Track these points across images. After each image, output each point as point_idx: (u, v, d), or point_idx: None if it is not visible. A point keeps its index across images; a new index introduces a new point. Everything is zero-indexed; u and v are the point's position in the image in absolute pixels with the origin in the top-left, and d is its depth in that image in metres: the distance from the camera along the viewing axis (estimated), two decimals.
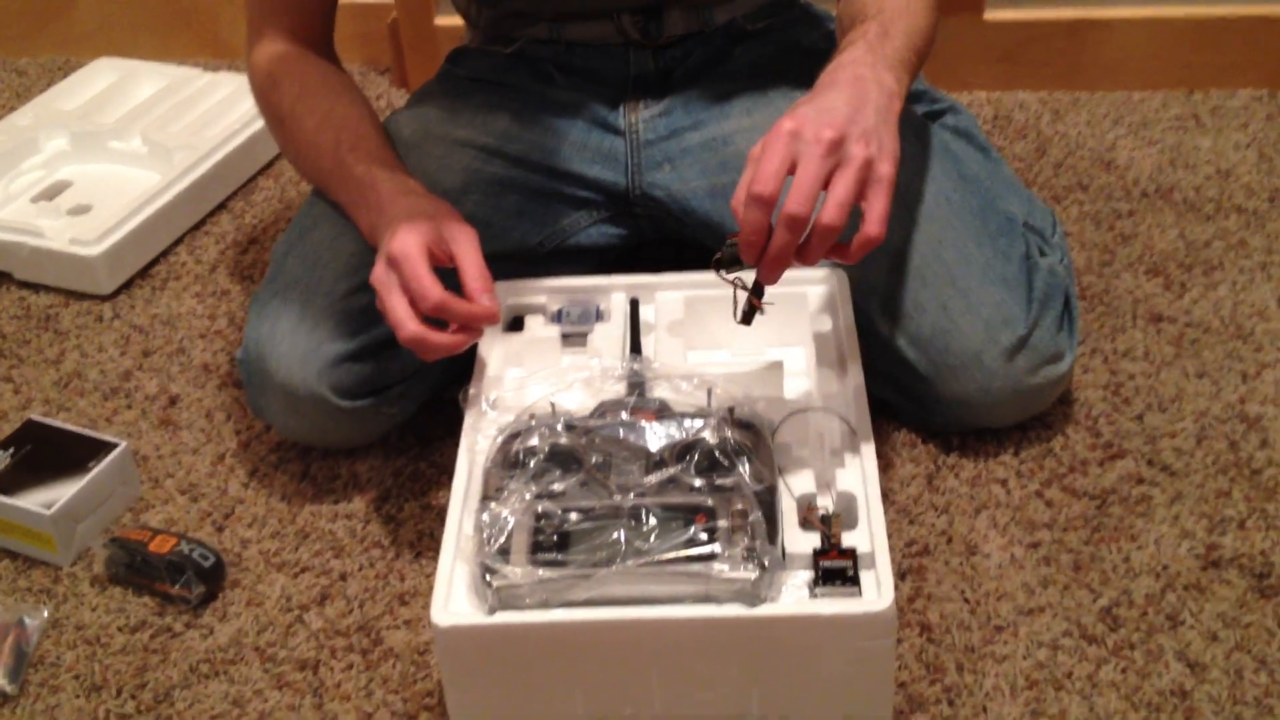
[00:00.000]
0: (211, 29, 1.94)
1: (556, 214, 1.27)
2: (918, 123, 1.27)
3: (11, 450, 1.17)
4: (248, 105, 1.69)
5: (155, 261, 1.51)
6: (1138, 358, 1.26)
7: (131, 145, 1.64)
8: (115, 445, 1.17)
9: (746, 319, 0.99)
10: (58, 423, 1.22)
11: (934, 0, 1.13)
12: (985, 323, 1.12)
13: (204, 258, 1.52)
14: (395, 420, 1.21)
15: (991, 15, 1.68)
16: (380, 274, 1.03)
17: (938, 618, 1.03)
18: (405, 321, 1.01)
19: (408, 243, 1.02)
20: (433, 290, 1.00)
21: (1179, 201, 1.47)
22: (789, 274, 1.15)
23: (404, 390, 1.19)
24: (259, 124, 1.66)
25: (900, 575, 1.06)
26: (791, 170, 0.92)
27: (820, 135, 0.91)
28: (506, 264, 1.22)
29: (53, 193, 1.60)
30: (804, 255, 0.93)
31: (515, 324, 1.17)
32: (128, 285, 1.48)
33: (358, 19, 1.86)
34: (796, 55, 1.28)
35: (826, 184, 0.92)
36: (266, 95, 1.24)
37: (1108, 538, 1.08)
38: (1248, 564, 1.05)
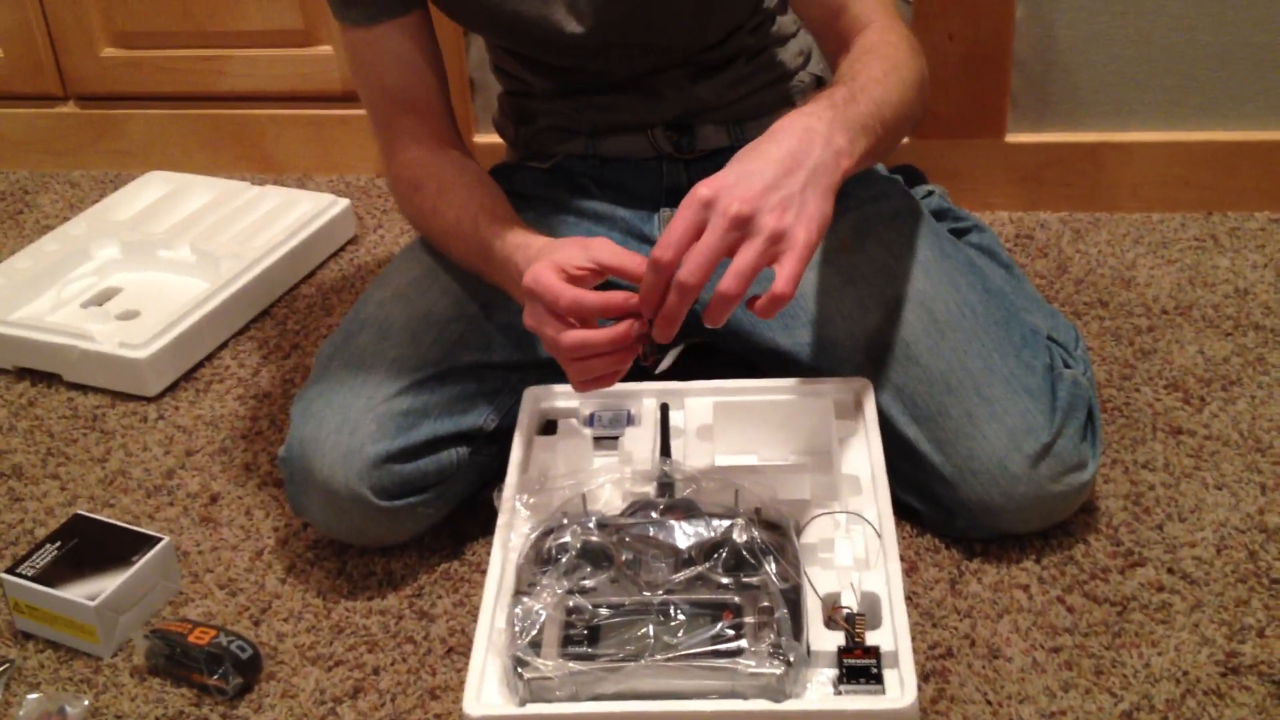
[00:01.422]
0: (259, 145, 2.01)
1: (589, 322, 1.31)
2: (944, 236, 1.31)
3: (59, 544, 1.20)
4: (293, 217, 1.76)
5: (200, 365, 1.56)
6: (1158, 469, 1.28)
7: (180, 254, 1.70)
8: (158, 540, 1.20)
9: (642, 368, 1.07)
10: (103, 518, 1.25)
11: (916, 79, 1.14)
12: (1010, 430, 1.14)
13: (247, 362, 1.56)
14: (431, 520, 1.24)
15: (1013, 138, 1.73)
16: (527, 317, 1.05)
17: None
18: (558, 336, 1.01)
19: (535, 271, 1.03)
20: (565, 292, 1.01)
21: (1198, 319, 1.50)
22: (815, 381, 1.19)
23: (440, 491, 1.22)
24: (303, 234, 1.73)
25: (924, 677, 1.07)
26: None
27: (728, 209, 0.94)
28: (540, 371, 1.26)
29: (103, 298, 1.65)
30: (707, 316, 0.98)
31: (549, 427, 1.20)
32: (173, 387, 1.52)
33: None
34: None
35: (733, 251, 0.96)
36: (410, 199, 1.28)
37: (1129, 643, 1.10)
38: (1267, 671, 1.06)
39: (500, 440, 1.24)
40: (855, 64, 1.12)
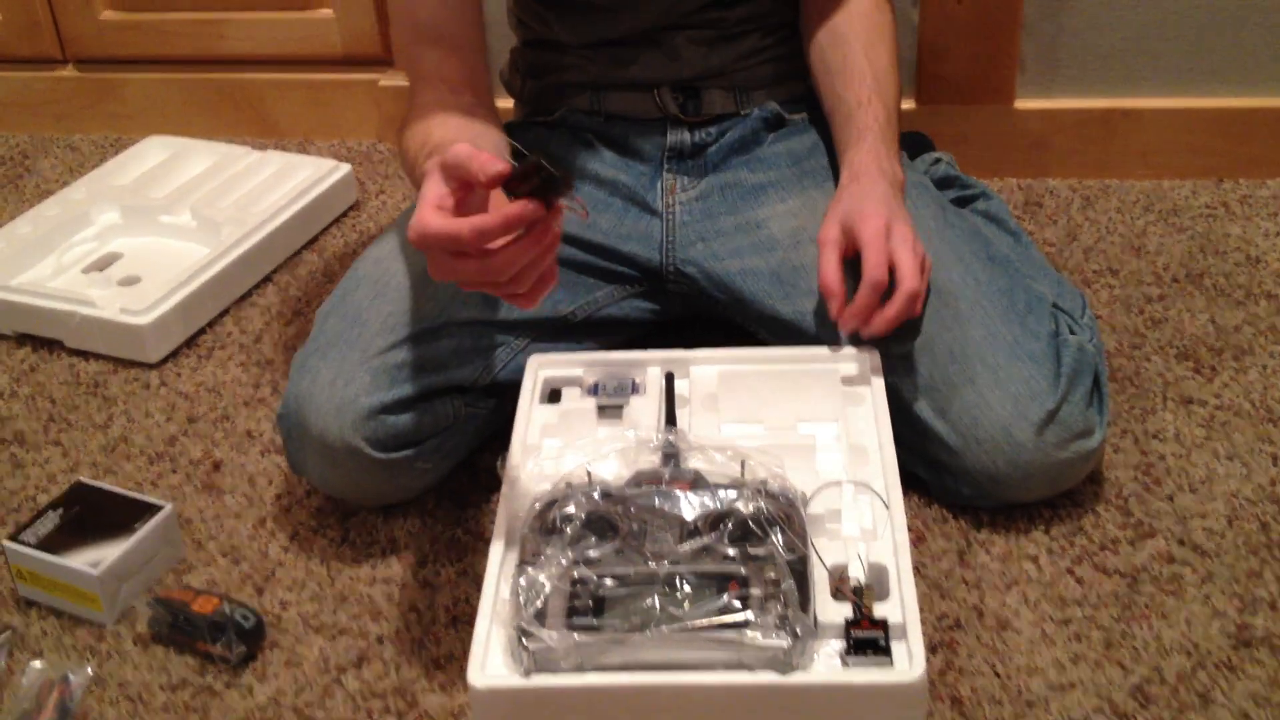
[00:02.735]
0: (259, 109, 1.99)
1: (590, 286, 1.30)
2: (948, 207, 1.30)
3: (60, 511, 1.19)
4: (294, 182, 1.75)
5: (201, 331, 1.55)
6: (1168, 439, 1.27)
7: (181, 219, 1.69)
8: (160, 508, 1.19)
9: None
10: (105, 485, 1.24)
11: (896, 43, 1.31)
12: (1014, 397, 1.14)
13: (249, 328, 1.55)
14: (429, 477, 1.24)
15: (1022, 104, 1.71)
16: (433, 271, 0.95)
17: (969, 692, 1.04)
18: (483, 266, 0.91)
19: (418, 223, 0.91)
20: (461, 226, 0.89)
21: (1209, 287, 1.48)
22: (821, 351, 1.19)
23: (437, 445, 1.21)
24: (305, 200, 1.71)
25: (931, 649, 1.07)
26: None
27: (906, 235, 1.15)
28: (539, 331, 1.26)
29: (103, 264, 1.64)
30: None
31: (553, 396, 1.19)
32: (174, 354, 1.51)
33: (396, 99, 1.91)
34: (827, 149, 1.32)
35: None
36: (400, 139, 1.23)
37: (1139, 615, 1.09)
38: (1279, 643, 1.05)
39: (497, 395, 1.24)
40: (870, 51, 1.27)
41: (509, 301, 0.97)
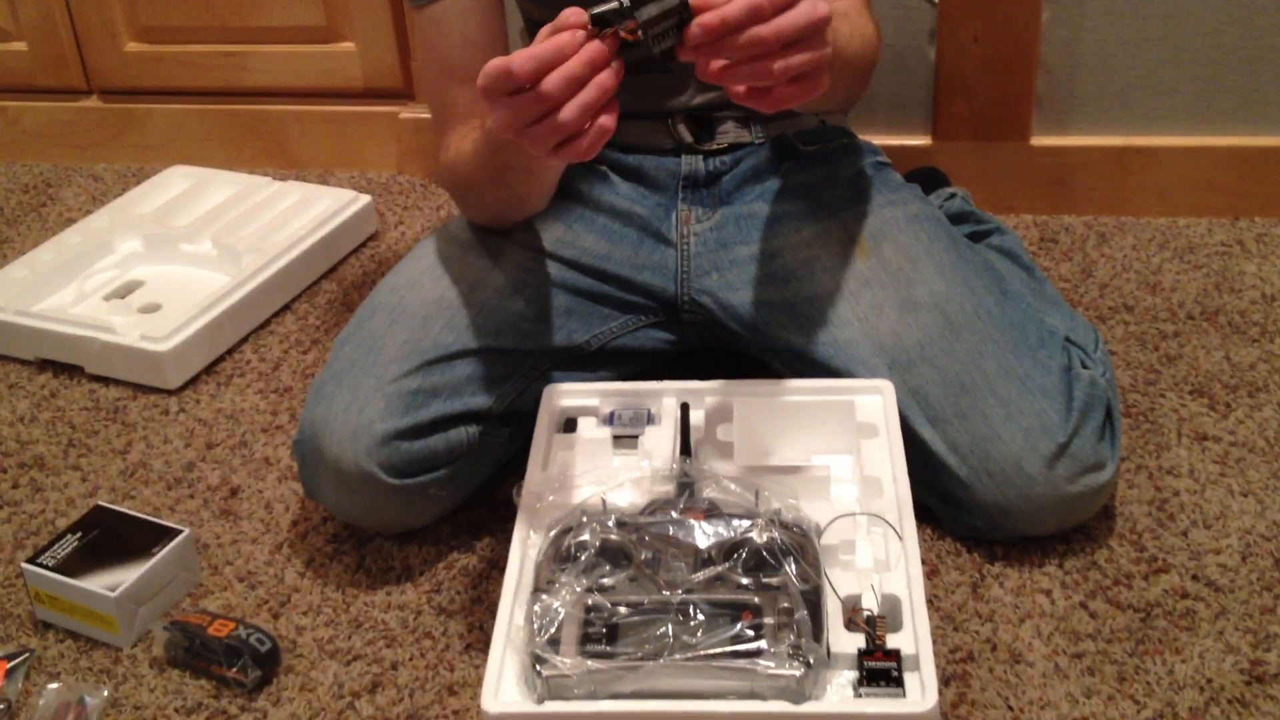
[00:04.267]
0: (281, 140, 2.01)
1: (605, 316, 1.31)
2: (960, 240, 1.31)
3: (80, 535, 1.20)
4: (314, 212, 1.76)
5: (221, 359, 1.56)
6: (1182, 475, 1.27)
7: (202, 248, 1.71)
8: (178, 532, 1.20)
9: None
10: (124, 509, 1.25)
11: (871, 55, 1.24)
12: (1025, 431, 1.14)
13: (268, 356, 1.57)
14: (444, 504, 1.24)
15: (1038, 140, 1.72)
16: (496, 124, 0.95)
17: None
18: (538, 91, 0.92)
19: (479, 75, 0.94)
20: (514, 54, 0.92)
21: (1224, 324, 1.49)
22: (835, 383, 1.19)
23: (452, 472, 1.21)
24: (325, 230, 1.73)
25: (944, 681, 1.07)
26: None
27: None
28: (554, 360, 1.27)
29: (125, 291, 1.66)
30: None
31: (569, 425, 1.20)
32: (194, 381, 1.53)
33: (417, 132, 1.93)
34: (841, 182, 1.33)
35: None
36: (452, 172, 1.26)
37: (1152, 650, 1.09)
38: None
39: (511, 423, 1.25)
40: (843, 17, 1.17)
41: (568, 155, 0.96)
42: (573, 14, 0.94)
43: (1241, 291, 1.54)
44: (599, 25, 0.93)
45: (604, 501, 1.08)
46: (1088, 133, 1.71)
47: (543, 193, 1.26)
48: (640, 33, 0.92)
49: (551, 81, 0.92)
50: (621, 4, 0.92)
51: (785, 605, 0.94)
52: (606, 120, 0.96)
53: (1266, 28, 1.61)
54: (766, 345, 1.30)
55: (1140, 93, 1.68)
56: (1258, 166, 1.68)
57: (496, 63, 0.92)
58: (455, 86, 1.26)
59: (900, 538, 1.04)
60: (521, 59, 0.91)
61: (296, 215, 1.76)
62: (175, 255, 1.72)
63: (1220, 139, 1.68)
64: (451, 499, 1.25)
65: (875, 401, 1.18)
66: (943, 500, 1.20)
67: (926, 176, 1.66)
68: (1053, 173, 1.73)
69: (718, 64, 0.92)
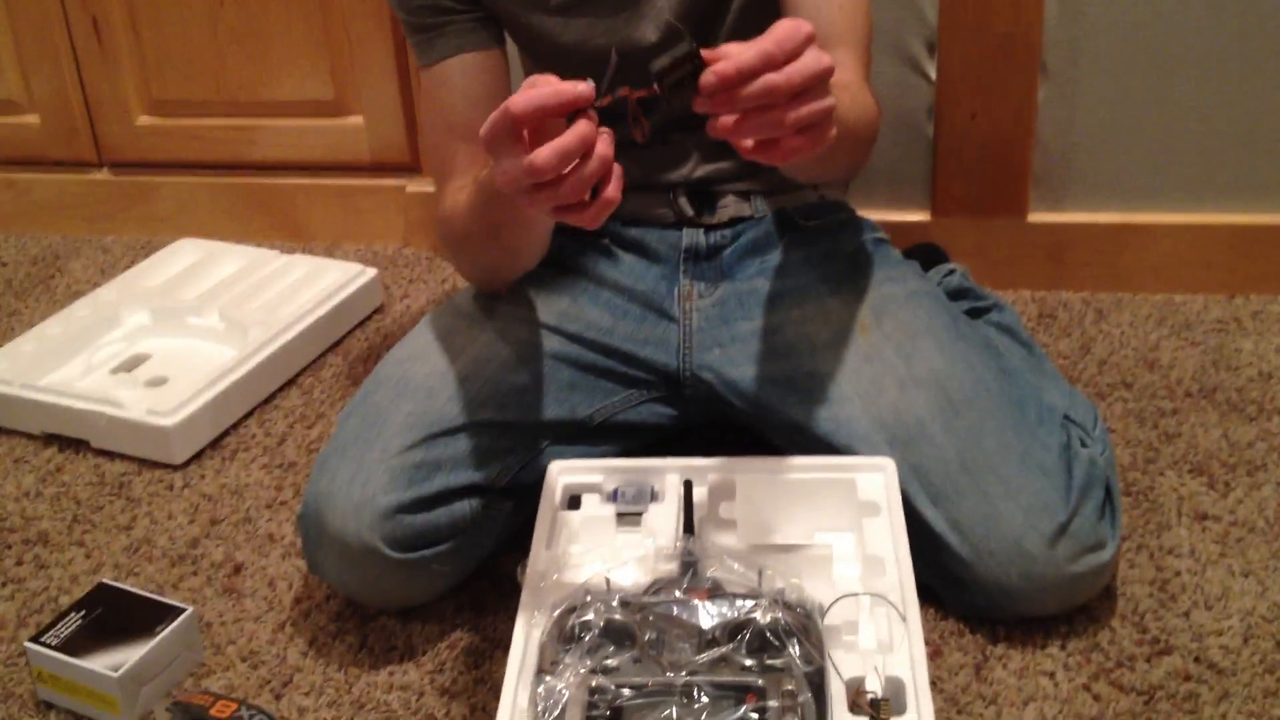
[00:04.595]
0: (288, 213, 2.03)
1: (608, 390, 1.32)
2: (960, 317, 1.32)
3: (83, 613, 1.20)
4: (321, 285, 1.78)
5: (226, 433, 1.57)
6: (1183, 554, 1.28)
7: (209, 321, 1.72)
8: (182, 610, 1.20)
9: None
10: (128, 587, 1.25)
11: (870, 127, 1.22)
12: (1025, 510, 1.15)
13: (273, 430, 1.57)
14: (447, 579, 1.25)
15: (1035, 217, 1.74)
16: (498, 175, 0.95)
17: None
18: (532, 158, 0.91)
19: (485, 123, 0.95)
20: (513, 99, 0.92)
21: (1222, 402, 1.50)
22: (838, 460, 1.20)
23: (455, 547, 1.22)
24: (331, 303, 1.75)
25: None
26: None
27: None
28: (557, 434, 1.28)
29: (132, 365, 1.67)
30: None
31: (573, 502, 1.21)
32: (199, 455, 1.53)
33: (423, 205, 1.95)
34: (841, 258, 1.35)
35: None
36: (448, 225, 1.27)
37: None
38: None
39: (513, 496, 1.26)
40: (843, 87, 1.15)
41: (574, 219, 0.95)
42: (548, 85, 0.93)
43: (1239, 369, 1.56)
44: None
45: (608, 581, 1.08)
46: (1084, 210, 1.73)
47: (534, 248, 1.26)
48: (655, 85, 0.92)
49: (542, 156, 0.91)
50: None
51: (789, 688, 0.94)
52: (612, 192, 0.95)
53: (1259, 108, 1.64)
54: (768, 420, 1.31)
55: (1135, 171, 1.70)
56: (1252, 244, 1.70)
57: (496, 111, 0.92)
58: (456, 143, 1.28)
59: (903, 618, 1.04)
60: (518, 103, 0.91)
61: (303, 288, 1.78)
62: (182, 328, 1.73)
63: (1215, 217, 1.70)
64: (454, 574, 1.25)
65: (877, 480, 1.19)
66: (945, 579, 1.20)
67: (925, 252, 1.67)
68: (1050, 249, 1.74)
69: (728, 119, 0.93)
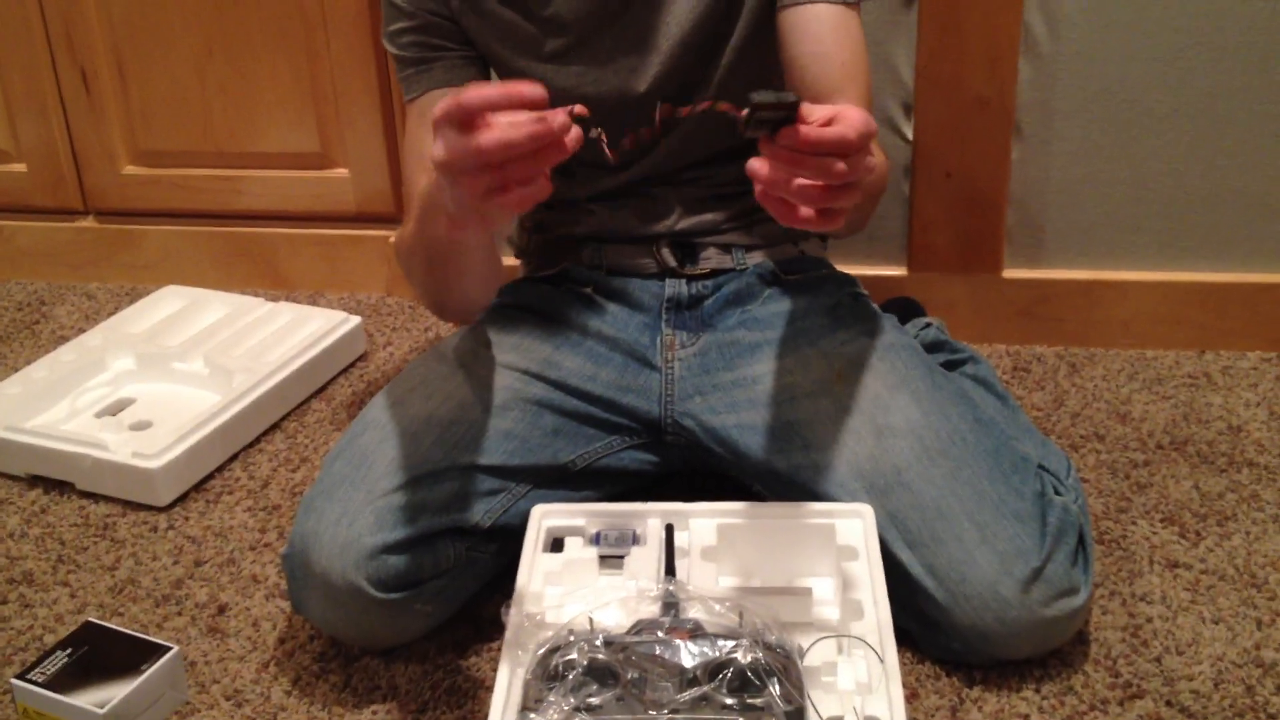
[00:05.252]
0: (272, 262, 2.05)
1: (590, 437, 1.34)
2: (936, 369, 1.35)
3: (69, 651, 1.21)
4: (305, 332, 1.80)
5: (210, 476, 1.58)
6: (1155, 602, 1.30)
7: (194, 367, 1.74)
8: (167, 649, 1.21)
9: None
10: (114, 625, 1.26)
11: (881, 179, 1.28)
12: (1000, 555, 1.17)
13: (257, 474, 1.59)
14: (430, 620, 1.26)
15: (1010, 273, 1.78)
16: (438, 153, 0.95)
17: None
18: (478, 137, 0.92)
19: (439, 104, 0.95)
20: (466, 91, 0.92)
21: (1193, 454, 1.53)
22: (817, 506, 1.22)
23: (439, 588, 1.23)
24: (315, 350, 1.76)
25: None
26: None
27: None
28: (539, 478, 1.29)
29: (117, 409, 1.68)
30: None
31: (556, 545, 1.22)
32: (183, 498, 1.54)
33: None
34: (820, 311, 1.38)
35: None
36: (399, 244, 1.30)
37: None
38: None
39: (497, 539, 1.27)
40: None
41: (498, 202, 0.95)
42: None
43: (1209, 422, 1.59)
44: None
45: (591, 621, 1.09)
46: (1057, 266, 1.77)
47: (468, 276, 1.27)
48: (745, 111, 0.94)
49: (496, 134, 0.92)
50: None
51: None
52: (540, 181, 0.95)
53: (1226, 169, 1.68)
54: (748, 468, 1.33)
55: (1107, 228, 1.74)
56: (1221, 301, 1.73)
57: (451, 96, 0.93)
58: (422, 174, 1.30)
59: (881, 660, 1.06)
60: (472, 94, 0.92)
61: (287, 335, 1.80)
62: (167, 373, 1.74)
63: (1184, 274, 1.74)
64: (437, 615, 1.26)
65: (856, 525, 1.21)
66: (921, 623, 1.22)
67: (902, 306, 1.71)
68: (1024, 304, 1.78)
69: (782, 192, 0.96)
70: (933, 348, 1.54)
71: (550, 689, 1.00)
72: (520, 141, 0.92)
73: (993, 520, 1.19)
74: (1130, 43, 1.63)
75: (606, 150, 1.00)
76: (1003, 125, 1.69)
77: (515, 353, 1.36)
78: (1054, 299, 1.77)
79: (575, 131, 0.95)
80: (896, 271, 1.80)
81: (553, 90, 1.30)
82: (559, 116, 0.93)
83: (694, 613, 1.09)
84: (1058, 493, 1.25)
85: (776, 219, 0.99)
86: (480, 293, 1.33)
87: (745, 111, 0.94)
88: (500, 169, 0.93)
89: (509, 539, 1.26)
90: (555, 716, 0.98)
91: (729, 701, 0.99)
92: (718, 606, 1.09)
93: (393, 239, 1.32)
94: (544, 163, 0.94)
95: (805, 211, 0.97)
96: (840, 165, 0.94)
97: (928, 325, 1.62)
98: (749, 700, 0.99)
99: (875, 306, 1.44)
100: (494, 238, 1.25)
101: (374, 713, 1.21)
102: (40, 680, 1.17)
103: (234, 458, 1.62)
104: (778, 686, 0.99)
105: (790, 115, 0.94)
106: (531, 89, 0.93)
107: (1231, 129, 1.66)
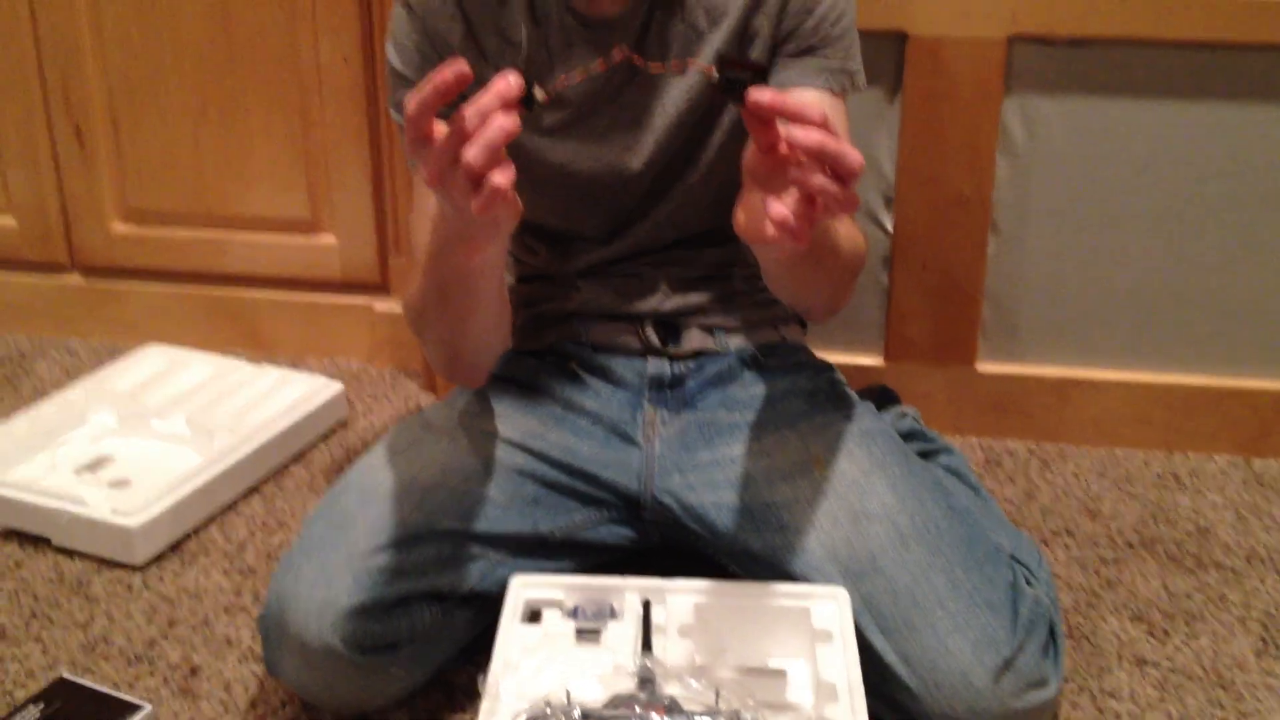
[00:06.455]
0: (254, 325, 2.06)
1: (570, 508, 1.36)
2: (912, 456, 1.37)
3: (42, 706, 1.20)
4: (288, 396, 1.81)
5: (187, 537, 1.58)
6: (1123, 698, 1.31)
7: (175, 426, 1.74)
8: (140, 708, 1.21)
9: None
10: (87, 683, 1.25)
11: (856, 260, 1.31)
12: (972, 643, 1.18)
13: (233, 536, 1.59)
14: (404, 684, 1.26)
15: (983, 367, 1.80)
16: (425, 166, 1.02)
17: None
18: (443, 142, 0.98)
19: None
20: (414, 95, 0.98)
21: (1161, 553, 1.55)
22: (792, 588, 1.23)
23: (414, 652, 1.24)
24: (296, 414, 1.77)
25: None
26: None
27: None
28: (517, 547, 1.30)
29: (96, 465, 1.68)
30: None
31: (533, 616, 1.23)
32: (159, 557, 1.54)
33: (391, 324, 1.99)
34: (799, 395, 1.40)
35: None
36: (409, 301, 1.32)
37: None
38: None
39: (473, 604, 1.28)
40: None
41: (484, 195, 0.99)
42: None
43: (1176, 523, 1.61)
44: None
45: (568, 693, 1.10)
46: (1030, 362, 1.80)
47: (485, 315, 1.28)
48: (713, 66, 1.00)
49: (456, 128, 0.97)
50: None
51: None
52: (505, 187, 0.99)
53: (1196, 273, 1.72)
54: (725, 547, 1.34)
55: (1079, 326, 1.77)
56: (1189, 403, 1.76)
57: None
58: (428, 233, 1.32)
59: None
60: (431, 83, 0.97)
61: (269, 398, 1.81)
62: (148, 432, 1.75)
63: (1153, 375, 1.77)
64: (410, 679, 1.26)
65: (831, 608, 1.22)
66: (894, 709, 1.23)
67: (879, 394, 1.73)
68: (997, 398, 1.80)
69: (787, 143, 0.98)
70: (908, 437, 1.56)
71: None
72: (453, 115, 0.97)
73: (966, 608, 1.20)
74: (1104, 147, 1.68)
75: (540, 92, 1.03)
76: (980, 222, 1.73)
77: (499, 422, 1.37)
78: (1026, 395, 1.79)
79: (506, 80, 0.98)
80: (873, 361, 1.83)
81: (548, 163, 1.34)
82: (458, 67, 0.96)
83: (670, 689, 1.10)
84: (1029, 584, 1.27)
85: (748, 238, 1.02)
86: (494, 335, 1.33)
87: (715, 70, 0.99)
88: (467, 163, 0.97)
89: (485, 605, 1.27)
90: None
91: None
92: (694, 683, 1.10)
93: (400, 304, 1.34)
94: (494, 136, 0.97)
95: (778, 210, 0.97)
96: (819, 179, 0.96)
97: (903, 415, 1.65)
98: None
99: (853, 393, 1.46)
100: (503, 273, 1.27)
101: None
102: None
103: (212, 519, 1.62)
104: None
105: (759, 77, 0.99)
106: (448, 68, 0.96)
107: (1201, 235, 1.70)
